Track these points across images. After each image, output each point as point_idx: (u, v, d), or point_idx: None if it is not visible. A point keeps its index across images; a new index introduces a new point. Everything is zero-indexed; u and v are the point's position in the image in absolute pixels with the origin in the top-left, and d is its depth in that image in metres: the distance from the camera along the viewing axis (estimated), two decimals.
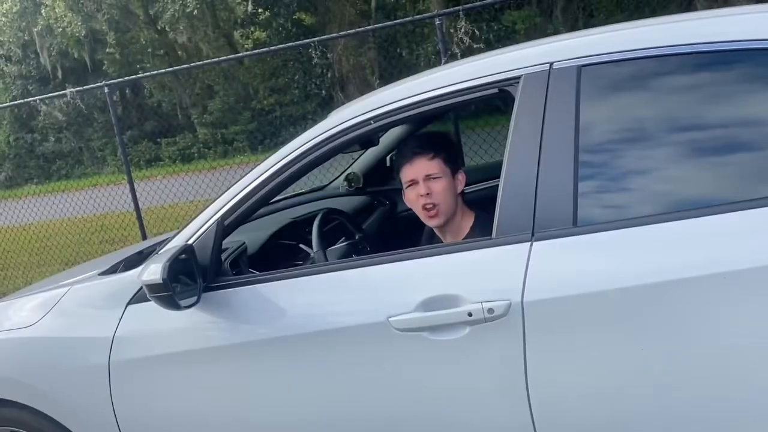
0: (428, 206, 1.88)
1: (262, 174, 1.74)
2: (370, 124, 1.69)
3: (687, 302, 1.33)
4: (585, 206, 1.45)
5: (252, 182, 1.74)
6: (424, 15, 5.50)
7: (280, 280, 1.70)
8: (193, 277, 1.66)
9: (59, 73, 19.33)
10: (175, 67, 8.34)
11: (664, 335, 1.35)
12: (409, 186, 1.93)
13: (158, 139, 18.65)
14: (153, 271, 1.61)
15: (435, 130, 2.11)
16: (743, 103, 1.43)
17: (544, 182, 1.47)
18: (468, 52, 4.78)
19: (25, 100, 8.18)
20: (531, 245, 1.45)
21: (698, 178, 1.44)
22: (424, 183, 1.88)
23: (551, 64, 1.55)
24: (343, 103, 2.37)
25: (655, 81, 1.51)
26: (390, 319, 1.51)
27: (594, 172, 1.50)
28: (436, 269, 1.55)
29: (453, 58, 5.27)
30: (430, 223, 1.93)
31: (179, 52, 19.19)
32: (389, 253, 1.65)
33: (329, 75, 16.73)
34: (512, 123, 1.55)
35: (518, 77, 1.56)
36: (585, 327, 1.40)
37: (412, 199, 1.93)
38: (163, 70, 7.17)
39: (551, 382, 1.44)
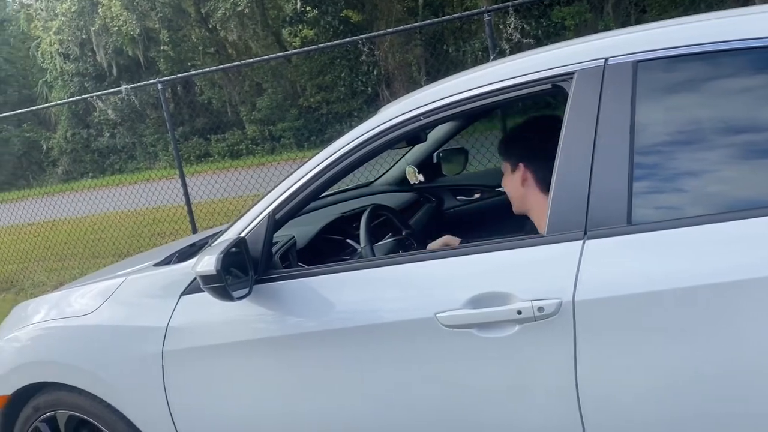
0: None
1: (312, 170, 1.75)
2: (420, 120, 1.67)
3: (742, 304, 1.29)
4: (639, 205, 1.41)
5: (302, 177, 1.75)
6: (473, 11, 5.44)
7: (329, 274, 1.70)
8: (245, 270, 1.68)
9: (114, 71, 19.93)
10: (225, 65, 8.47)
11: (719, 338, 1.31)
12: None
13: (208, 136, 19.05)
14: (207, 262, 1.63)
15: (527, 124, 2.00)
16: None
17: (598, 180, 1.44)
18: (517, 48, 4.72)
19: (83, 96, 8.45)
20: (584, 243, 1.43)
21: (756, 179, 1.39)
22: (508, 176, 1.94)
23: (606, 59, 1.51)
24: (389, 101, 2.32)
25: (714, 78, 1.46)
26: (437, 315, 1.50)
27: (649, 171, 1.46)
28: (486, 266, 1.53)
29: (501, 54, 5.22)
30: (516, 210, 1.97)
31: (229, 50, 19.54)
32: (437, 249, 1.64)
33: (375, 72, 16.78)
34: (565, 120, 1.52)
35: (572, 73, 1.53)
36: (637, 328, 1.37)
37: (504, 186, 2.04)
38: (214, 68, 7.29)
39: (602, 382, 1.41)
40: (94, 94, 5.83)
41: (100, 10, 17.92)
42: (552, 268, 1.45)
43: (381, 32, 6.22)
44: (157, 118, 20.33)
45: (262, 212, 1.77)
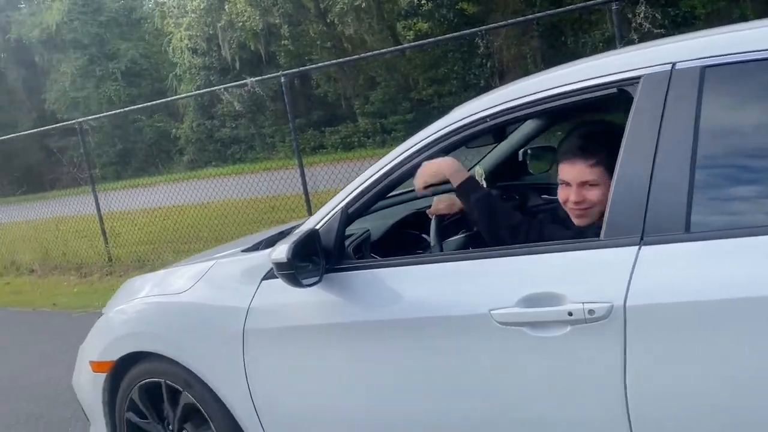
0: (577, 211, 1.80)
1: (383, 167, 1.83)
2: (487, 122, 1.71)
3: None
4: (698, 213, 1.40)
5: (374, 175, 1.84)
6: (599, 0, 5.21)
7: (395, 266, 1.79)
8: (317, 259, 1.79)
9: (237, 65, 20.92)
10: (343, 59, 8.65)
11: None
12: (562, 184, 1.84)
13: (323, 128, 19.58)
14: (280, 251, 1.76)
15: (603, 128, 1.87)
16: None
17: (658, 186, 1.44)
18: (645, 38, 4.48)
19: (211, 88, 8.93)
20: (639, 249, 1.43)
21: None
22: (577, 189, 1.78)
23: (674, 64, 1.49)
24: None
25: None
26: (491, 311, 1.53)
27: (710, 179, 1.44)
28: (541, 266, 1.55)
29: (629, 44, 4.97)
30: (577, 222, 1.83)
31: (345, 45, 19.95)
32: (499, 247, 1.69)
33: (489, 65, 16.53)
34: (629, 124, 1.51)
35: (638, 77, 1.52)
36: (687, 335, 1.36)
37: (562, 198, 1.85)
38: (334, 61, 7.44)
39: (650, 387, 1.40)
40: (222, 86, 6.14)
41: (226, 6, 18.86)
42: (605, 272, 1.46)
43: (501, 24, 6.09)
44: (276, 110, 21.16)
45: (335, 207, 1.87)
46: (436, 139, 1.78)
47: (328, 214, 1.88)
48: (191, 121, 23.48)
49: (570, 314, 1.45)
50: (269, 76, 6.05)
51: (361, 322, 1.78)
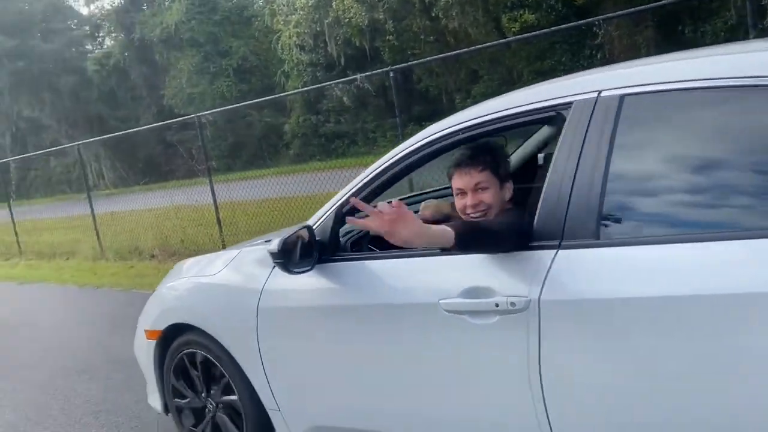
0: (476, 215, 2.08)
1: (369, 174, 2.18)
2: (455, 136, 2.02)
3: (687, 318, 1.47)
4: (607, 223, 1.64)
5: (362, 181, 2.18)
6: None
7: (374, 260, 2.16)
8: (311, 251, 2.16)
9: (342, 61, 21.33)
10: (451, 52, 8.59)
11: (664, 343, 1.50)
12: (458, 195, 2.13)
13: (423, 123, 19.58)
14: (274, 244, 2.14)
15: (486, 141, 2.15)
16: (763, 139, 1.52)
17: (576, 198, 1.67)
18: None
19: (322, 84, 9.13)
20: (556, 252, 1.67)
21: (714, 207, 1.58)
22: (472, 194, 2.08)
23: (600, 92, 1.72)
24: None
25: (691, 112, 1.63)
26: (440, 301, 1.84)
27: (618, 193, 1.67)
28: (479, 263, 1.81)
29: (762, 33, 4.65)
30: None
31: (448, 38, 19.84)
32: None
33: (599, 56, 15.91)
34: (558, 142, 1.76)
35: (570, 103, 1.76)
36: (591, 329, 1.61)
37: (459, 207, 2.12)
38: (441, 55, 7.39)
39: (561, 370, 1.66)
40: (333, 82, 6.28)
41: (333, 3, 19.26)
42: (528, 271, 1.71)
43: (618, 13, 5.82)
44: (377, 105, 21.42)
45: (331, 208, 2.23)
46: (407, 154, 2.11)
47: (325, 214, 2.25)
48: (297, 116, 24.21)
49: (497, 305, 1.73)
50: (378, 71, 6.14)
51: (342, 305, 2.16)
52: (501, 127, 1.97)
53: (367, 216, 1.70)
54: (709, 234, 1.52)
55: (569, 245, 1.67)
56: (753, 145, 1.54)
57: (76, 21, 37.24)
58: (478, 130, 1.99)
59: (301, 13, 20.64)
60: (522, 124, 1.95)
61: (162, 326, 2.90)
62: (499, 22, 19.27)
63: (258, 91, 25.63)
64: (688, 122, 1.65)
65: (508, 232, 1.83)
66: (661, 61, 1.81)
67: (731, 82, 1.54)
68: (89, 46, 36.94)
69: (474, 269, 1.83)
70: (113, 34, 34.17)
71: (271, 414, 2.53)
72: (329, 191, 8.64)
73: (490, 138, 2.19)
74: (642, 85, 1.66)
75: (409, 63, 7.61)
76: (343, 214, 2.16)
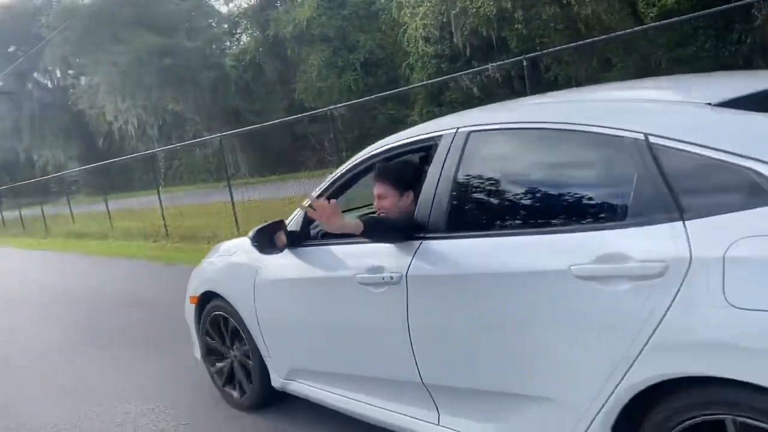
0: (381, 213, 3.02)
1: (326, 184, 3.21)
2: (376, 158, 3.04)
3: (494, 285, 2.25)
4: (452, 222, 2.50)
5: (321, 188, 3.21)
6: None
7: (325, 246, 3.09)
8: (284, 238, 3.17)
9: (468, 51, 21.14)
10: (587, 40, 8.26)
11: (479, 302, 2.30)
12: (375, 199, 3.06)
13: None
14: (251, 231, 3.23)
15: (391, 164, 3.02)
16: (549, 165, 2.37)
17: (436, 204, 2.51)
18: None
19: (452, 75, 9.10)
20: (421, 243, 2.52)
21: (514, 211, 2.40)
22: (378, 200, 3.01)
23: (457, 128, 2.56)
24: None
25: (504, 144, 2.48)
26: (355, 275, 2.76)
27: (460, 200, 2.51)
28: (383, 250, 2.66)
29: None
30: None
31: (579, 26, 19.08)
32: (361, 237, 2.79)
33: (748, 41, 14.65)
34: (431, 164, 2.60)
35: (441, 135, 2.62)
36: (437, 294, 2.46)
37: (375, 207, 3.08)
38: (579, 42, 7.10)
39: (419, 323, 2.52)
40: (464, 72, 6.27)
41: None
42: (404, 254, 2.57)
43: None
44: (503, 96, 21.02)
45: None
46: (349, 169, 3.16)
47: (298, 211, 3.22)
48: (421, 108, 24.34)
49: (383, 279, 2.61)
50: (511, 60, 6.04)
51: (302, 278, 3.16)
52: (403, 152, 2.96)
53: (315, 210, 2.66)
54: (510, 230, 2.34)
55: (430, 237, 2.52)
56: (538, 170, 2.38)
57: (216, 20, 39.66)
58: (392, 153, 2.96)
59: (428, 4, 20.66)
60: (416, 150, 2.91)
61: (198, 293, 4.04)
62: (635, 7, 18.26)
63: (383, 85, 26.04)
64: (502, 151, 2.50)
65: (396, 228, 2.70)
66: (494, 109, 2.97)
67: (528, 126, 2.38)
68: (228, 43, 39.22)
69: (379, 254, 2.68)
70: (249, 32, 36.06)
71: (265, 360, 3.57)
72: None
73: (403, 157, 3.03)
74: (480, 125, 2.54)
75: (545, 51, 7.41)
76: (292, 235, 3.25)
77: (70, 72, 44.95)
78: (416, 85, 11.56)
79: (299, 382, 3.37)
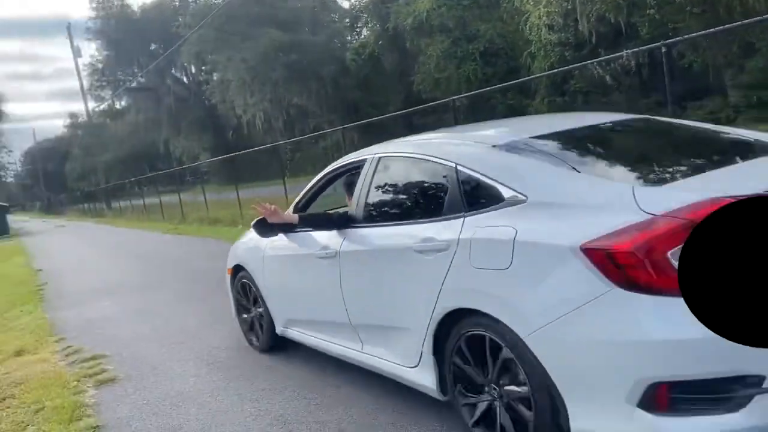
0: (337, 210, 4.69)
1: (305, 190, 4.77)
2: (334, 173, 4.58)
3: (375, 258, 3.66)
4: (368, 215, 3.85)
5: (304, 192, 4.77)
6: None
7: (303, 232, 4.37)
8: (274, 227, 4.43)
9: (593, 39, 20.30)
10: (730, 24, 7.65)
11: (369, 269, 3.69)
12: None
13: (683, 103, 17.85)
14: (254, 221, 4.52)
15: (349, 176, 4.46)
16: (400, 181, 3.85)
17: (359, 203, 3.90)
18: None
19: (582, 63, 8.77)
20: (348, 229, 3.89)
21: (393, 210, 3.77)
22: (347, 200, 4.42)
23: (375, 154, 3.94)
24: None
25: (394, 166, 3.83)
26: (315, 251, 4.13)
27: (371, 201, 3.85)
28: (333, 235, 4.04)
29: None
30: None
31: (718, 8, 17.74)
32: (319, 226, 4.34)
33: None
34: (359, 178, 3.99)
35: (366, 159, 4.00)
36: (353, 265, 3.81)
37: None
38: (727, 26, 6.53)
39: (347, 284, 3.86)
40: (592, 60, 6.04)
41: None
42: (340, 238, 3.93)
43: None
44: (630, 84, 20.02)
45: (292, 206, 4.81)
46: (320, 178, 4.67)
47: (290, 208, 4.70)
48: (542, 98, 23.69)
49: (326, 254, 3.99)
50: (649, 46, 5.74)
51: (286, 255, 4.60)
52: (346, 170, 4.38)
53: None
54: (390, 222, 3.65)
55: (355, 226, 3.88)
56: (405, 184, 3.71)
57: (338, 14, 40.67)
58: (340, 171, 4.47)
59: None
60: (353, 169, 4.22)
61: (231, 266, 5.62)
62: None
63: (502, 74, 25.59)
64: (393, 171, 3.79)
65: (330, 221, 4.14)
66: (397, 142, 4.04)
67: (406, 155, 3.73)
68: (348, 37, 40.13)
69: (329, 237, 4.04)
70: (369, 25, 36.67)
71: (271, 314, 5.07)
72: None
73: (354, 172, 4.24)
74: (387, 153, 3.89)
75: (686, 36, 6.95)
76: (297, 208, 4.76)
77: (203, 68, 47.91)
78: (543, 74, 11.27)
79: (292, 330, 4.87)
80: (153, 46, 50.94)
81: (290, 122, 39.14)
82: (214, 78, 44.16)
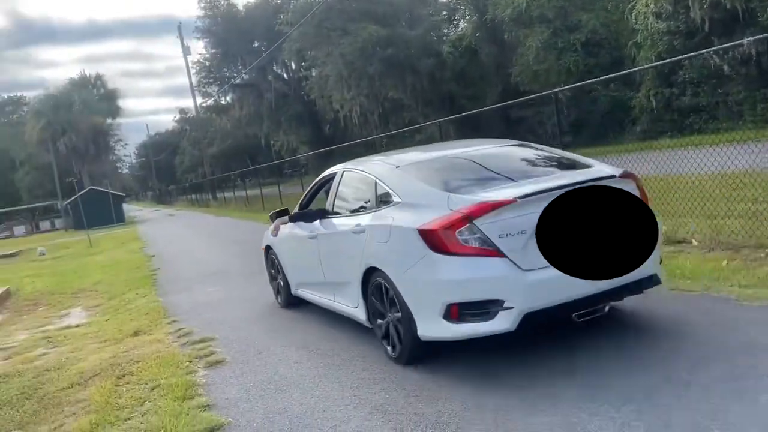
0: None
1: (304, 193, 7.04)
2: (318, 183, 6.83)
3: (334, 238, 5.64)
4: (333, 210, 5.87)
5: (304, 194, 7.03)
6: None
7: (300, 223, 6.42)
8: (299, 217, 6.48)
9: (706, 26, 19.14)
10: None
11: (328, 243, 5.74)
12: None
13: None
14: (272, 212, 7.58)
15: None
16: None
17: (331, 201, 6.03)
18: None
19: (698, 52, 8.28)
20: (322, 219, 5.90)
21: (346, 206, 5.72)
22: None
23: (342, 169, 6.01)
24: None
25: (349, 177, 5.86)
26: (308, 233, 6.12)
27: (338, 201, 5.85)
28: (314, 224, 6.05)
29: None
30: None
31: None
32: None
33: None
34: (333, 185, 6.05)
35: (336, 173, 6.07)
36: (324, 242, 5.83)
37: None
38: None
39: (323, 255, 5.85)
40: (711, 49, 5.70)
41: None
42: (318, 225, 5.96)
43: None
44: (747, 75, 18.73)
45: (298, 203, 6.98)
46: (314, 184, 6.83)
47: (299, 202, 6.90)
48: (648, 89, 22.62)
49: (311, 236, 6.02)
50: None
51: (297, 235, 6.42)
52: (327, 179, 6.33)
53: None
54: (344, 215, 5.60)
55: (327, 216, 5.84)
56: (353, 189, 5.69)
57: (434, 8, 40.53)
58: (324, 180, 6.44)
59: None
60: (330, 179, 6.17)
61: (264, 245, 7.68)
62: None
63: (605, 65, 24.62)
64: (349, 181, 5.76)
65: (308, 215, 6.14)
66: (356, 161, 6.03)
67: (356, 170, 5.73)
68: (445, 30, 39.93)
69: (313, 227, 5.99)
70: (467, 17, 36.32)
71: (288, 279, 7.03)
72: (686, 172, 7.93)
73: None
74: (346, 168, 5.89)
75: None
76: (301, 206, 6.79)
77: (303, 64, 49.19)
78: (650, 65, 10.69)
79: (300, 290, 6.81)
80: (256, 44, 52.85)
81: (385, 116, 39.50)
82: (313, 73, 45.25)
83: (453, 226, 3.99)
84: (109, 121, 59.92)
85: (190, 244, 18.27)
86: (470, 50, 33.95)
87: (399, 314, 4.49)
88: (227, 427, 4.15)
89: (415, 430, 3.62)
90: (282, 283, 7.25)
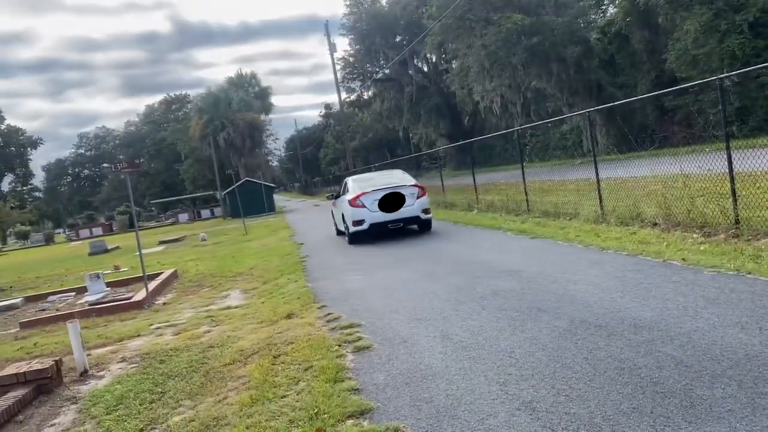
0: None
1: (340, 187, 18.44)
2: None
3: (339, 205, 17.04)
4: (339, 194, 17.48)
5: (343, 185, 17.52)
6: None
7: (337, 199, 18.46)
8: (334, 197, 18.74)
9: None
10: None
11: (339, 210, 17.24)
12: None
13: None
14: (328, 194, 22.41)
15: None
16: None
17: (341, 189, 17.35)
18: None
19: None
20: (336, 199, 18.43)
21: (340, 191, 16.99)
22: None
23: (348, 178, 16.86)
24: None
25: (345, 180, 17.64)
26: (337, 204, 17.62)
27: (341, 190, 17.45)
28: (341, 199, 17.90)
29: None
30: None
31: None
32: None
33: None
34: (343, 183, 17.64)
35: (347, 179, 16.93)
36: (338, 208, 17.56)
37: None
38: None
39: (337, 214, 18.40)
40: None
41: None
42: (339, 201, 17.85)
43: None
44: None
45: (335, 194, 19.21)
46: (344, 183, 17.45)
47: (343, 187, 17.32)
48: None
49: (337, 205, 17.48)
50: None
51: (336, 205, 17.70)
52: (343, 182, 17.94)
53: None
54: (339, 196, 16.96)
55: (339, 198, 16.85)
56: (343, 185, 16.99)
57: None
58: (344, 182, 17.57)
59: None
60: (342, 182, 18.43)
61: (330, 211, 19.48)
62: None
63: None
64: (344, 182, 17.02)
65: (335, 196, 18.22)
66: (358, 177, 17.22)
67: (347, 177, 17.99)
68: (593, 16, 38.16)
69: (339, 200, 17.08)
70: (617, 2, 34.46)
71: (340, 228, 17.35)
72: None
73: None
74: (347, 178, 17.03)
75: None
76: (333, 196, 18.85)
77: (444, 57, 49.26)
78: None
79: (348, 234, 15.20)
80: (398, 39, 53.74)
81: (526, 106, 38.56)
82: (454, 66, 45.17)
83: (355, 198, 14.37)
84: (262, 117, 63.89)
85: (334, 233, 19.08)
86: (620, 36, 32.23)
87: (344, 226, 15.46)
88: (376, 411, 4.29)
89: (567, 429, 3.54)
90: (340, 231, 17.05)
